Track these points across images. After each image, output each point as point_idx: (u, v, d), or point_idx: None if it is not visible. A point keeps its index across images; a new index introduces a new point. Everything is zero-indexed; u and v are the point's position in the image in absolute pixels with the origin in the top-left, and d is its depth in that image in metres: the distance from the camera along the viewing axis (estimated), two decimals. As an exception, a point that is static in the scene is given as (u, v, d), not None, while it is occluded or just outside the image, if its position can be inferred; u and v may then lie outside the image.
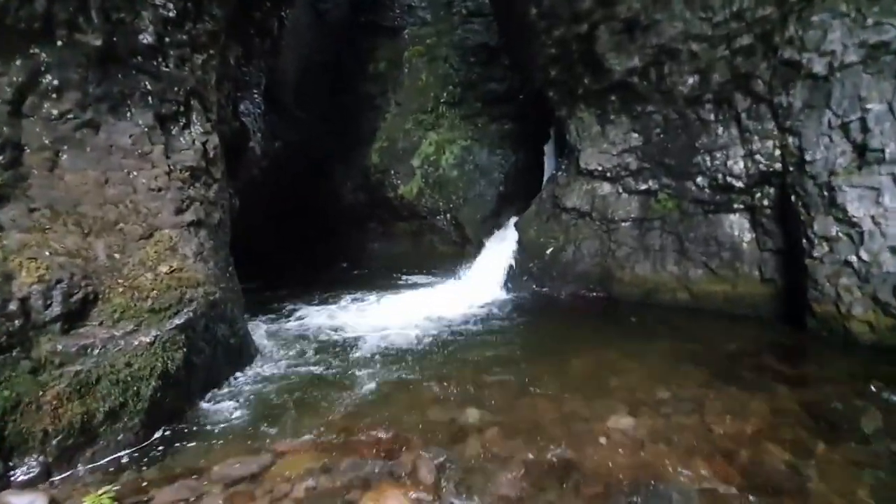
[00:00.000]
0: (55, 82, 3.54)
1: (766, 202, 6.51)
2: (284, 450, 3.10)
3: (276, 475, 2.81)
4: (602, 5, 6.92)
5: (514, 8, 8.19)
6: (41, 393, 2.79)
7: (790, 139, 6.08)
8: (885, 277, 5.09)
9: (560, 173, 8.71)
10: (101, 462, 2.94)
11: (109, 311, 3.32)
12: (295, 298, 7.56)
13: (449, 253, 10.42)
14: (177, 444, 3.21)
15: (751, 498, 2.64)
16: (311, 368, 4.64)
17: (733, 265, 6.74)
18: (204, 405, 3.78)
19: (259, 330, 5.75)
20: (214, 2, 4.69)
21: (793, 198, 6.00)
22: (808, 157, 5.84)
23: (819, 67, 5.75)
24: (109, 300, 3.35)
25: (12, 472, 2.66)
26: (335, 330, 5.99)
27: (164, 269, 3.75)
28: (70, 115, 3.64)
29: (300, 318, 6.59)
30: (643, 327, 6.19)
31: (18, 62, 3.38)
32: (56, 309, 3.06)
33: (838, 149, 5.61)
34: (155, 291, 3.58)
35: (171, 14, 4.23)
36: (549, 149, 9.96)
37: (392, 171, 10.94)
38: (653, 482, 2.76)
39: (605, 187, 8.03)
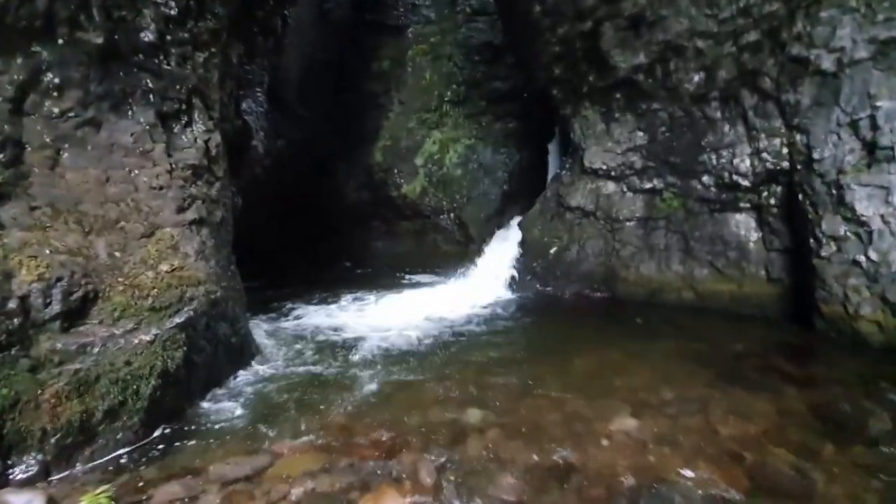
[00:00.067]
0: (56, 80, 3.53)
1: (773, 201, 6.43)
2: (284, 450, 3.07)
3: (275, 476, 2.79)
4: (606, 2, 6.85)
5: (517, 6, 8.14)
6: (40, 391, 2.78)
7: (798, 137, 6.00)
8: (894, 277, 5.01)
9: (564, 172, 8.65)
10: (100, 461, 2.92)
11: (109, 310, 3.30)
12: (297, 297, 7.53)
13: (452, 252, 10.37)
14: (176, 444, 3.19)
15: (756, 501, 2.59)
16: (312, 368, 4.62)
17: (739, 264, 6.66)
18: (204, 404, 3.76)
19: (260, 329, 5.73)
20: (217, 0, 4.68)
21: (800, 196, 5.91)
22: (816, 156, 5.75)
23: (828, 64, 5.66)
24: (110, 298, 3.34)
25: (11, 471, 2.64)
26: (336, 330, 5.95)
27: (165, 267, 3.74)
28: (71, 114, 3.63)
29: (301, 318, 6.56)
30: (648, 327, 6.12)
31: (19, 60, 3.37)
32: (56, 307, 3.04)
33: (847, 146, 5.52)
34: (155, 290, 3.57)
35: (172, 12, 4.20)
36: (553, 147, 9.87)
37: (395, 170, 10.91)
38: (656, 484, 2.71)
39: (610, 186, 7.96)
